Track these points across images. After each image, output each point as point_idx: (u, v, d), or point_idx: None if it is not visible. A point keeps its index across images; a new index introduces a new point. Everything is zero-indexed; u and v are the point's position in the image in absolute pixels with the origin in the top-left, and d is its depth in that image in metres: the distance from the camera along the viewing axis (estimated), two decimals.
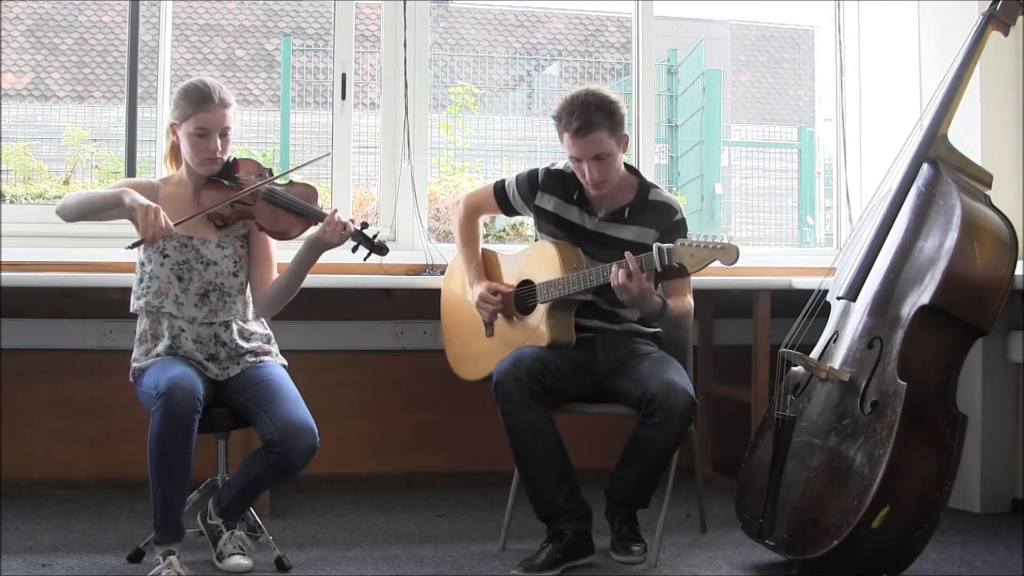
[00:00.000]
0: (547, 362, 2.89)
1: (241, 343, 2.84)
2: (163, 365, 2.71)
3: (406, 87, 3.94)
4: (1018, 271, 2.76)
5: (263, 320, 2.97)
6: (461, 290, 3.23)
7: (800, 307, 2.93)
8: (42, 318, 3.67)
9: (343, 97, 3.93)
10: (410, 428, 3.93)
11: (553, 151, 6.16)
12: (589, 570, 2.84)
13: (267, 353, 2.90)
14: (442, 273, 3.65)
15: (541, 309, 2.99)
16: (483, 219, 3.30)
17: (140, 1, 3.94)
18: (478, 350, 3.16)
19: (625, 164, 3.06)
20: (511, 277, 3.14)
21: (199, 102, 2.74)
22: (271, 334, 2.97)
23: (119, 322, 3.46)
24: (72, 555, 2.92)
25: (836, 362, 2.82)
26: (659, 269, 2.70)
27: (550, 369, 2.88)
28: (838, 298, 2.92)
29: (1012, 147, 3.72)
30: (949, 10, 3.74)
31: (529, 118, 7.52)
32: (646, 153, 4.14)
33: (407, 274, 3.72)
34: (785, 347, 2.86)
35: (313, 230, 2.78)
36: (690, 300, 3.00)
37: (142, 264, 2.82)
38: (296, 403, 2.72)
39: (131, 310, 2.84)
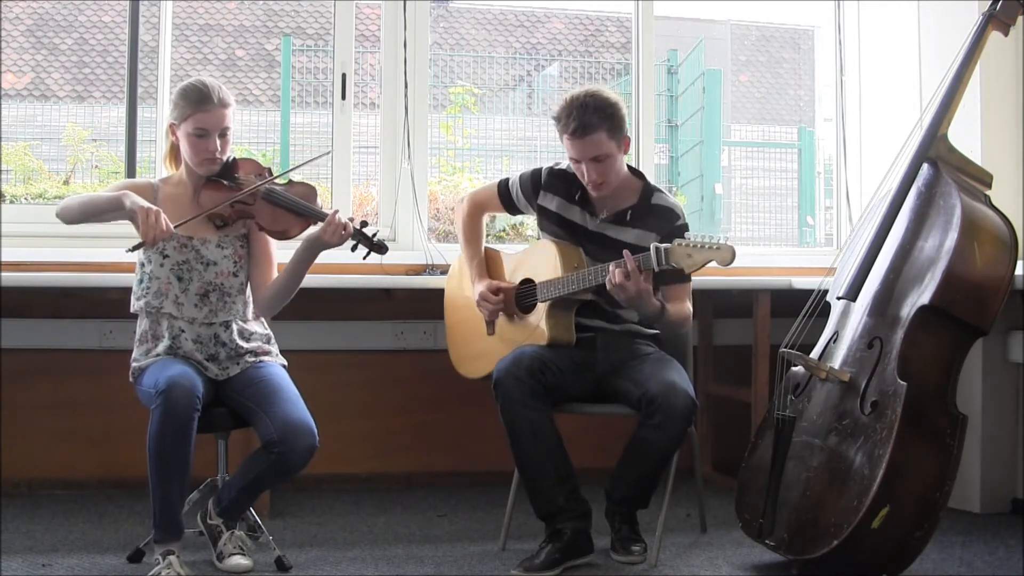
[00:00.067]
0: (547, 361, 2.89)
1: (241, 343, 2.84)
2: (163, 364, 2.71)
3: (406, 87, 3.94)
4: (1018, 271, 2.76)
5: (263, 320, 2.97)
6: (464, 288, 3.23)
7: (800, 307, 2.93)
8: (42, 318, 3.67)
9: (343, 97, 3.93)
10: (410, 428, 3.93)
11: (553, 151, 6.16)
12: (589, 570, 2.84)
13: (267, 353, 2.90)
14: (442, 273, 3.66)
15: (541, 308, 3.00)
16: (484, 218, 3.30)
17: (140, 1, 3.94)
18: (479, 348, 3.16)
19: (629, 167, 3.06)
20: (513, 276, 3.14)
21: (198, 102, 2.74)
22: (271, 334, 2.97)
23: (119, 322, 3.46)
24: (72, 555, 2.92)
25: (836, 362, 2.82)
26: (656, 269, 2.70)
27: (550, 368, 2.88)
28: (838, 298, 2.92)
29: (1012, 147, 3.72)
30: (949, 10, 3.74)
31: (529, 118, 7.52)
32: (646, 153, 4.14)
33: (407, 274, 3.72)
34: (785, 347, 2.86)
35: (313, 230, 2.78)
36: (689, 306, 3.00)
37: (142, 264, 2.82)
38: (296, 403, 2.72)
39: (131, 310, 2.84)
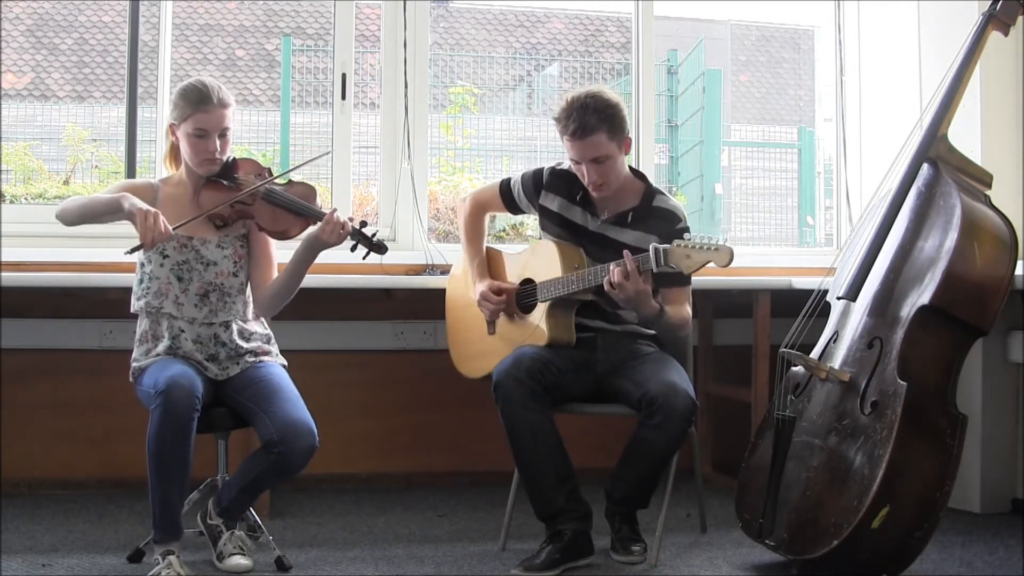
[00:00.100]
0: (547, 362, 2.89)
1: (241, 343, 2.84)
2: (162, 364, 2.71)
3: (406, 87, 3.94)
4: (1018, 271, 2.75)
5: (263, 320, 2.97)
6: (465, 288, 3.23)
7: (800, 307, 2.93)
8: (42, 318, 3.67)
9: (343, 97, 3.93)
10: (410, 428, 3.93)
11: (553, 151, 6.16)
12: (589, 570, 2.84)
13: (267, 353, 2.90)
14: (442, 273, 3.66)
15: (541, 308, 3.00)
16: (486, 218, 3.30)
17: (140, 1, 3.94)
18: (480, 348, 3.16)
19: (631, 168, 3.06)
20: (514, 275, 3.14)
21: (198, 102, 2.74)
22: (271, 334, 2.97)
23: (119, 322, 3.46)
24: (72, 555, 2.92)
25: (836, 362, 2.82)
26: (654, 269, 2.70)
27: (550, 369, 2.88)
28: (838, 298, 2.92)
29: (1012, 147, 3.72)
30: (949, 10, 3.74)
31: (529, 118, 7.52)
32: (646, 153, 4.14)
33: (407, 274, 3.72)
34: (785, 347, 2.86)
35: (313, 229, 2.78)
36: (688, 310, 3.00)
37: (142, 265, 2.82)
38: (296, 403, 2.72)
39: (131, 311, 2.85)
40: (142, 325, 2.83)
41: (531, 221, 4.40)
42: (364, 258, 2.82)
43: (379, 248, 2.81)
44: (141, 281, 2.81)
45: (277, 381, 2.78)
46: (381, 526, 3.35)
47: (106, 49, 7.54)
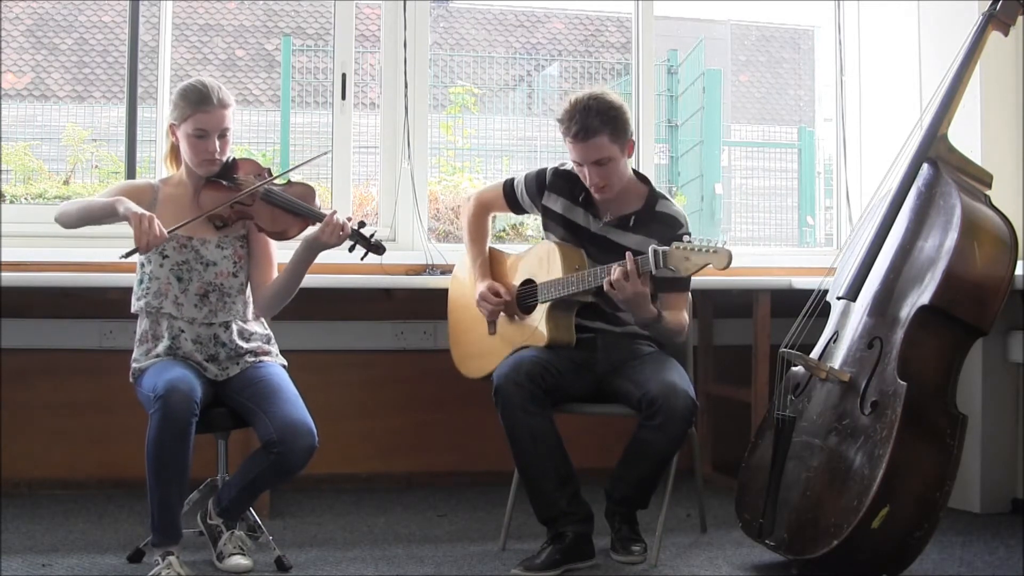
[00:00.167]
0: (547, 364, 2.89)
1: (241, 343, 2.84)
2: (162, 367, 2.71)
3: (406, 87, 3.94)
4: (1018, 271, 2.75)
5: (263, 320, 2.97)
6: (467, 288, 3.23)
7: (800, 307, 2.93)
8: (42, 318, 3.67)
9: (343, 97, 3.93)
10: (410, 428, 3.93)
11: (553, 151, 6.16)
12: (589, 570, 2.84)
13: (267, 353, 2.90)
14: (442, 273, 3.66)
15: (541, 309, 3.00)
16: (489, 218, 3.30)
17: (140, 1, 3.94)
18: (480, 348, 3.16)
19: (635, 171, 3.06)
20: (515, 275, 3.14)
21: (198, 103, 2.74)
22: (271, 334, 2.97)
23: (119, 322, 3.46)
24: (72, 555, 2.92)
25: (836, 362, 2.82)
26: (653, 271, 2.70)
27: (550, 371, 2.88)
28: (838, 298, 2.92)
29: (1012, 147, 3.72)
30: (949, 10, 3.74)
31: (529, 118, 7.52)
32: (646, 153, 4.14)
33: (407, 274, 3.71)
34: (785, 347, 2.86)
35: (312, 230, 2.78)
36: (685, 316, 2.99)
37: (142, 265, 2.82)
38: (295, 403, 2.72)
39: (132, 311, 2.85)
40: (142, 325, 2.83)
41: (531, 221, 4.41)
42: (362, 259, 2.82)
43: (377, 249, 2.82)
44: (141, 281, 2.82)
45: (277, 381, 2.78)
46: (381, 526, 3.35)
47: (106, 49, 7.54)
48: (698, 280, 3.04)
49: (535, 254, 3.10)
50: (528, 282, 3.07)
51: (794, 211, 7.69)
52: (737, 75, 9.91)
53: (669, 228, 2.96)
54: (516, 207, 3.21)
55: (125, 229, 2.74)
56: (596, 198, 2.99)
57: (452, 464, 3.93)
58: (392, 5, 3.96)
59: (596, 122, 2.85)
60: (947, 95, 2.92)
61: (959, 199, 2.71)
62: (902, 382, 2.60)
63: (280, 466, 2.66)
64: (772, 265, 4.05)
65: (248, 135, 6.60)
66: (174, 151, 2.88)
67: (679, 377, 2.89)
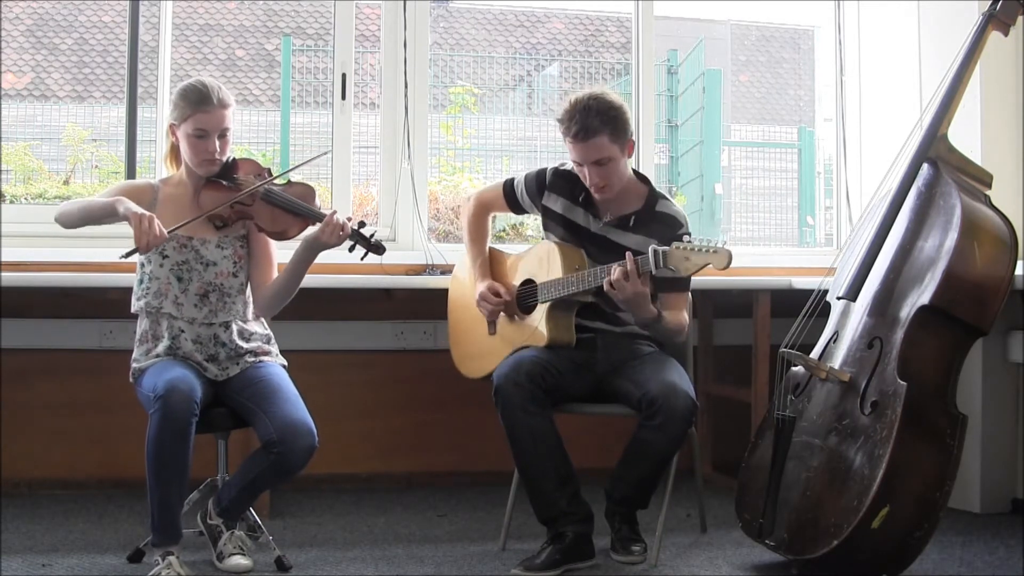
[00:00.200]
0: (547, 364, 2.88)
1: (241, 343, 2.84)
2: (162, 367, 2.70)
3: (406, 87, 3.94)
4: (1018, 271, 2.75)
5: (263, 320, 2.97)
6: (467, 288, 3.23)
7: (800, 307, 2.93)
8: (42, 318, 3.67)
9: (343, 97, 3.93)
10: (410, 428, 3.93)
11: (553, 151, 6.16)
12: (589, 570, 2.84)
13: (267, 353, 2.90)
14: (442, 273, 3.66)
15: (541, 308, 3.00)
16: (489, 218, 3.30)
17: (140, 1, 3.94)
18: (480, 348, 3.16)
19: (635, 171, 3.06)
20: (516, 276, 3.14)
21: (198, 103, 2.74)
22: (271, 334, 2.97)
23: (119, 322, 3.46)
24: (72, 555, 2.92)
25: (836, 362, 2.82)
26: (653, 271, 2.70)
27: (550, 371, 2.88)
28: (838, 298, 2.92)
29: (1012, 147, 3.72)
30: (949, 10, 3.74)
31: (529, 118, 7.52)
32: (646, 153, 4.14)
33: (407, 274, 3.71)
34: (785, 347, 2.86)
35: (312, 230, 2.78)
36: (685, 317, 2.99)
37: (142, 265, 2.82)
38: (295, 403, 2.72)
39: (132, 311, 2.85)
40: (142, 325, 2.83)
41: (531, 221, 4.41)
42: (362, 259, 2.82)
43: (377, 249, 2.82)
44: (141, 281, 2.82)
45: (277, 381, 2.78)
46: (381, 526, 3.35)
47: (106, 49, 7.54)
48: (698, 280, 3.04)
49: (535, 254, 3.10)
50: (528, 282, 3.07)
51: (794, 211, 7.69)
52: (737, 75, 9.91)
53: (669, 228, 2.96)
54: (516, 207, 3.21)
55: (125, 229, 2.74)
56: (596, 198, 3.00)
57: (452, 464, 3.93)
58: (392, 5, 3.96)
59: (596, 122, 2.85)
60: (947, 95, 2.92)
61: (959, 199, 2.71)
62: (902, 382, 2.60)
63: (280, 466, 2.66)
64: (772, 265, 4.05)
65: (248, 135, 6.60)
66: (174, 151, 2.88)
67: (679, 377, 2.89)
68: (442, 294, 3.38)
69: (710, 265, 2.65)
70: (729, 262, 2.63)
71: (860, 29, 4.31)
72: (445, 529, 3.34)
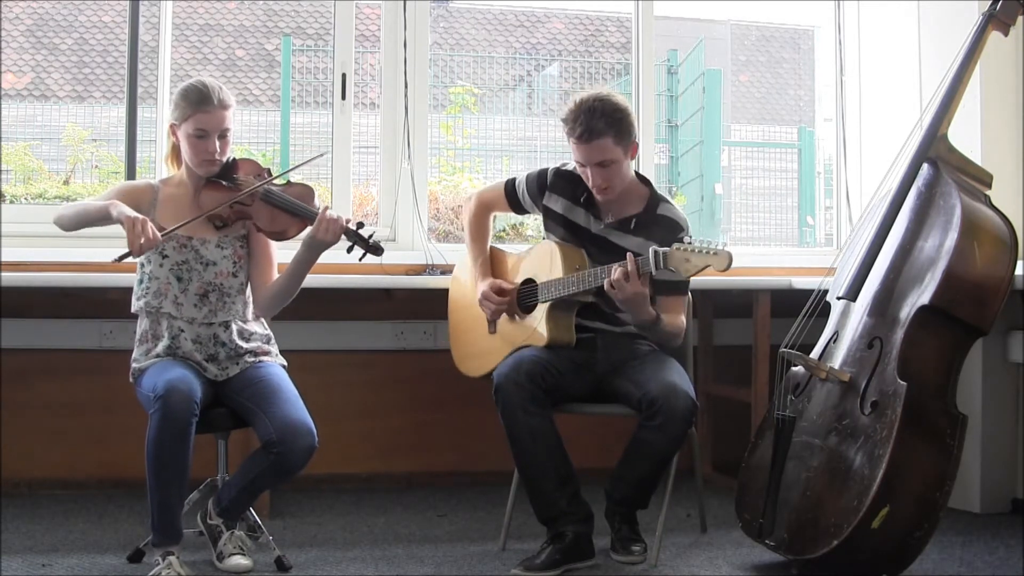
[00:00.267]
0: (547, 364, 2.88)
1: (240, 343, 2.84)
2: (161, 367, 2.70)
3: (406, 87, 3.94)
4: (1018, 271, 2.75)
5: (263, 320, 2.97)
6: (468, 287, 3.24)
7: (800, 307, 2.93)
8: (42, 318, 3.67)
9: (343, 97, 3.93)
10: (410, 428, 3.93)
11: (553, 151, 6.16)
12: (589, 570, 2.84)
13: (267, 353, 2.90)
14: (442, 273, 3.66)
15: (542, 308, 3.00)
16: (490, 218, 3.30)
17: (140, 1, 3.94)
18: (481, 347, 3.17)
19: (637, 174, 3.06)
20: (516, 275, 3.14)
21: (198, 103, 2.74)
22: (271, 334, 2.97)
23: (119, 322, 3.46)
24: (72, 555, 2.92)
25: (836, 362, 2.82)
26: (653, 272, 2.70)
27: (550, 371, 2.88)
28: (838, 298, 2.92)
29: (1012, 147, 3.72)
30: (949, 10, 3.74)
31: (529, 118, 7.52)
32: (646, 153, 4.14)
33: (407, 274, 3.71)
34: (785, 347, 2.86)
35: (310, 230, 2.78)
36: (683, 320, 2.99)
37: (142, 265, 2.82)
38: (295, 403, 2.72)
39: (131, 311, 2.85)
40: (142, 325, 2.83)
41: (531, 221, 4.41)
42: (361, 259, 2.81)
43: (376, 249, 2.81)
44: (141, 281, 2.82)
45: (277, 381, 2.78)
46: (381, 526, 3.35)
47: (106, 49, 7.54)
48: (698, 280, 3.04)
49: (536, 254, 3.10)
50: (528, 282, 3.07)
51: (794, 211, 7.70)
52: (737, 75, 9.91)
53: (670, 232, 2.95)
54: (517, 207, 3.21)
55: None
56: (598, 199, 3.00)
57: (452, 464, 3.93)
58: (392, 5, 3.96)
59: (601, 124, 2.85)
60: (947, 95, 2.92)
61: (959, 199, 2.71)
62: (902, 382, 2.60)
63: (280, 466, 2.66)
64: (772, 265, 4.05)
65: (248, 135, 6.61)
66: (174, 151, 2.88)
67: (679, 377, 2.89)
68: (442, 294, 3.38)
69: (710, 267, 2.65)
70: (729, 264, 2.63)
71: (860, 29, 4.31)
72: (445, 529, 3.34)
